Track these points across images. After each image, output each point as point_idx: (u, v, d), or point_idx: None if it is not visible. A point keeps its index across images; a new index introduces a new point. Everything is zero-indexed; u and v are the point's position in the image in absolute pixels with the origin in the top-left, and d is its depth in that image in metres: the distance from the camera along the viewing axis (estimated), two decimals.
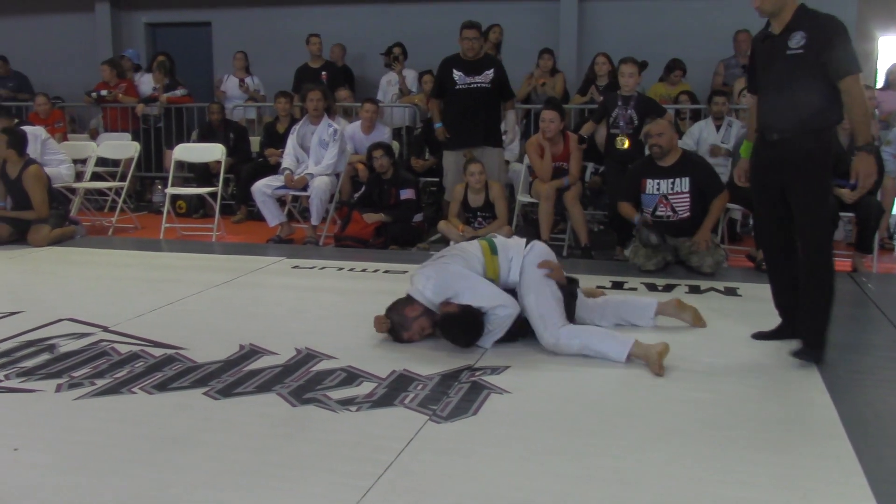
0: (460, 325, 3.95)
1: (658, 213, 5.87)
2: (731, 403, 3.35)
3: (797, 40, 3.68)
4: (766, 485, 2.64)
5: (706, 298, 5.13)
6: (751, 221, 6.91)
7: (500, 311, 3.96)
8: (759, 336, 4.20)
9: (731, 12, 9.24)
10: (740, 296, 5.21)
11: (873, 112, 6.98)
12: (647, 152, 6.13)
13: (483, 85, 6.91)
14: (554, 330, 3.89)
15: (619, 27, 10.38)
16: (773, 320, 4.22)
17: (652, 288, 5.36)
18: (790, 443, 2.97)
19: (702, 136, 7.44)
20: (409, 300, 4.09)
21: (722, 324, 4.50)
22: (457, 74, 6.91)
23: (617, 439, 2.98)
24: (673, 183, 5.80)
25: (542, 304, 3.95)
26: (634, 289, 5.33)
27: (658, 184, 5.84)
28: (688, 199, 5.79)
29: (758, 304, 4.88)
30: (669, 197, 5.81)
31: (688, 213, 5.80)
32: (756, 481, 2.66)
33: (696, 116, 8.12)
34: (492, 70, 6.94)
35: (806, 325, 3.86)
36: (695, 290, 5.33)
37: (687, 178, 5.79)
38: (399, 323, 4.07)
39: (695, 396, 3.41)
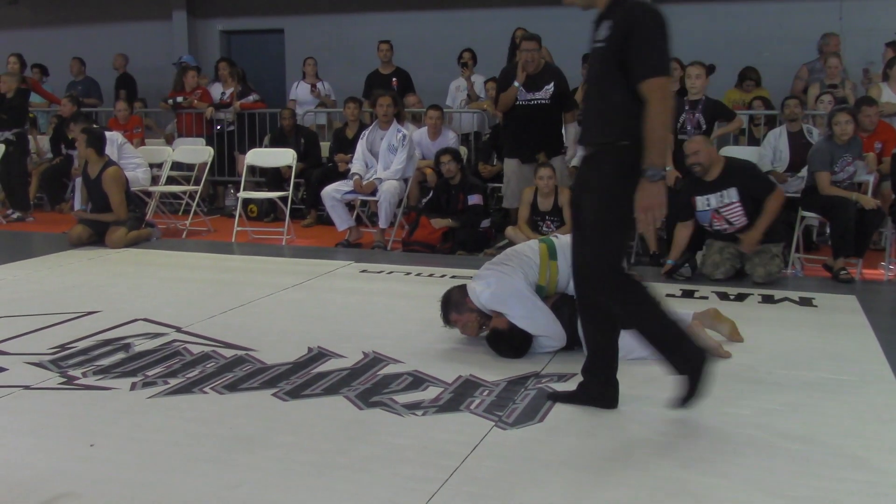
0: (508, 344, 3.94)
1: (715, 227, 5.74)
2: (809, 417, 3.25)
3: (603, 31, 3.04)
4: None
5: (780, 308, 5.00)
6: (828, 230, 6.70)
7: (545, 342, 3.96)
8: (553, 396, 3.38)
9: (810, 16, 9.03)
10: (816, 307, 5.05)
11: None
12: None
13: (543, 101, 6.90)
14: None
15: (692, 32, 10.16)
16: (850, 332, 4.09)
17: (724, 297, 5.25)
18: (875, 460, 2.86)
19: (777, 147, 7.17)
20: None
21: (797, 335, 4.37)
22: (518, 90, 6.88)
23: (687, 450, 2.91)
24: (721, 196, 5.64)
25: None
26: (705, 297, 5.23)
27: (708, 199, 5.70)
28: (740, 208, 5.61)
29: (834, 315, 4.77)
30: (721, 210, 5.65)
31: (745, 221, 5.63)
32: (843, 500, 2.56)
33: (771, 122, 7.93)
34: (552, 84, 6.91)
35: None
36: (768, 299, 5.19)
37: (734, 189, 5.60)
38: (457, 302, 4.08)
39: (769, 409, 3.31)
